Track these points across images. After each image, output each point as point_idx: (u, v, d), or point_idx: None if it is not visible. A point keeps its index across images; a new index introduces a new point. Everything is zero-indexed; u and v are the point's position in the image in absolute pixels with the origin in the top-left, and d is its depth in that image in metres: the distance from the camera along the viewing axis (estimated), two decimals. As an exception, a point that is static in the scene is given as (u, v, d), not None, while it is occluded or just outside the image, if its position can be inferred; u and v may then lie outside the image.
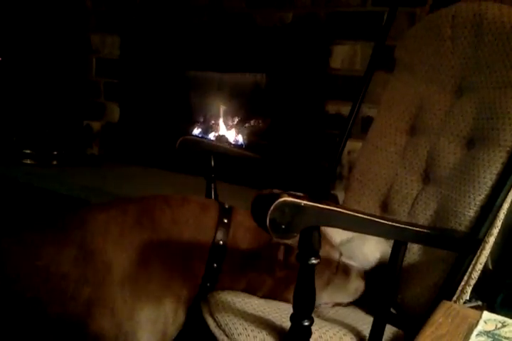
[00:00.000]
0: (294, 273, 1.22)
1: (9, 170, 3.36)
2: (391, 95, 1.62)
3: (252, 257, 1.29)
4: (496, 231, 1.24)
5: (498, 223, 1.24)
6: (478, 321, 0.93)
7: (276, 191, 0.87)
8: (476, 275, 1.25)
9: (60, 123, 3.59)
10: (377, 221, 0.99)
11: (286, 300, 1.26)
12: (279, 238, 0.89)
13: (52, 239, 1.28)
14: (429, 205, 1.40)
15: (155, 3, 3.30)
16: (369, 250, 1.41)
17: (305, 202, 0.87)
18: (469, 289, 1.25)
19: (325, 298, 1.32)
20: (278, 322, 1.13)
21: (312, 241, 0.93)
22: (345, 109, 2.53)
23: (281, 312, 1.19)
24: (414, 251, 1.36)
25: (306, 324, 0.98)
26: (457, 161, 1.37)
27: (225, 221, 1.30)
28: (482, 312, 0.97)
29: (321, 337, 1.10)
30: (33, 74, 3.44)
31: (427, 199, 1.41)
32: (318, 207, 0.89)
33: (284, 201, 0.86)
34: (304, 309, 0.98)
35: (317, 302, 1.00)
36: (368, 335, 1.13)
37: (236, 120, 3.25)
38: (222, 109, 3.27)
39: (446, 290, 1.23)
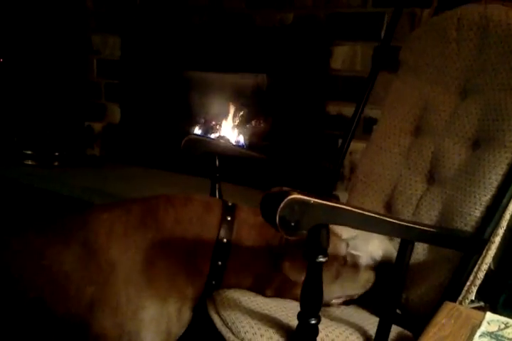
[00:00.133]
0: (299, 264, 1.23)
1: (10, 171, 3.35)
2: (395, 96, 1.62)
3: (257, 254, 1.29)
4: (501, 231, 1.25)
5: (504, 223, 1.25)
6: (481, 322, 0.94)
7: (285, 189, 0.88)
8: (481, 275, 1.25)
9: (61, 124, 3.59)
10: (385, 219, 1.00)
11: (295, 297, 1.26)
12: (288, 235, 0.89)
13: (55, 238, 1.28)
14: (433, 206, 1.40)
15: (155, 3, 3.30)
16: (372, 248, 1.41)
17: (314, 199, 0.88)
18: (475, 289, 1.26)
19: (336, 290, 1.31)
20: (285, 321, 1.13)
21: (320, 239, 0.93)
22: (346, 110, 2.53)
23: (287, 311, 1.19)
24: (419, 251, 1.36)
25: (314, 322, 0.99)
26: (462, 162, 1.37)
27: (229, 218, 1.31)
28: (485, 313, 0.97)
29: (327, 335, 1.11)
30: (34, 75, 3.43)
31: (431, 200, 1.42)
32: (327, 204, 0.90)
33: (294, 198, 0.86)
34: (312, 307, 0.99)
35: (329, 296, 1.00)
36: (373, 335, 1.14)
37: (237, 121, 3.25)
38: (223, 109, 3.27)
39: (452, 290, 1.23)
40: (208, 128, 3.34)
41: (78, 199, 2.93)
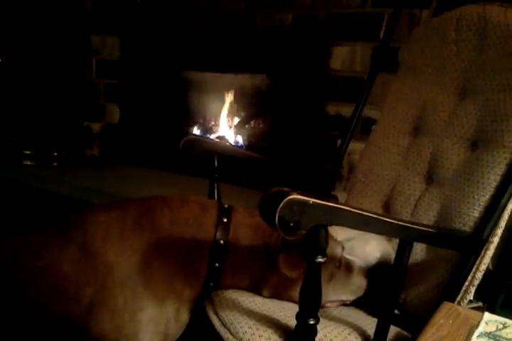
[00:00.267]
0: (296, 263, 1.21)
1: (9, 171, 3.36)
2: (394, 97, 1.63)
3: (253, 255, 1.29)
4: (500, 231, 1.25)
5: (502, 223, 1.25)
6: (479, 322, 0.94)
7: (285, 189, 0.88)
8: (479, 275, 1.25)
9: (60, 124, 3.59)
10: (383, 220, 1.00)
11: (291, 299, 1.26)
12: (287, 235, 0.89)
13: (54, 239, 1.29)
14: (432, 206, 1.40)
15: (155, 4, 3.30)
16: (370, 250, 1.41)
17: (313, 200, 0.88)
18: (473, 289, 1.26)
19: (329, 292, 1.31)
20: (283, 321, 1.13)
21: (319, 239, 0.93)
22: (345, 110, 2.53)
23: (285, 311, 1.19)
24: (417, 251, 1.36)
25: (312, 322, 0.99)
26: (461, 162, 1.38)
27: (225, 220, 1.31)
28: (483, 314, 0.97)
29: (325, 336, 1.11)
30: (33, 76, 3.44)
31: (430, 200, 1.42)
32: (326, 205, 0.90)
33: (293, 199, 0.86)
34: (310, 307, 0.99)
35: (323, 299, 1.00)
36: (371, 335, 1.14)
37: (236, 121, 3.25)
38: (222, 110, 3.27)
39: (450, 290, 1.23)
40: (207, 129, 3.34)
41: (77, 200, 2.93)
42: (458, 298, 1.24)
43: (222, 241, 1.28)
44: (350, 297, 1.36)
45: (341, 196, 2.39)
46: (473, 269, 1.24)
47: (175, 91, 3.42)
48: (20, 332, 1.27)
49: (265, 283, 1.29)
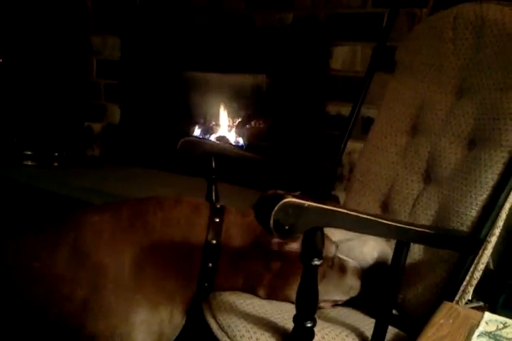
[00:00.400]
0: (289, 264, 1.23)
1: (10, 171, 3.36)
2: (392, 96, 1.62)
3: (246, 254, 1.29)
4: (497, 231, 1.25)
5: (500, 223, 1.25)
6: (479, 322, 0.93)
7: (280, 192, 0.88)
8: (478, 275, 1.25)
9: (60, 124, 3.59)
10: (380, 221, 1.00)
11: (288, 298, 1.26)
12: (283, 239, 0.89)
13: (48, 240, 1.29)
14: (430, 205, 1.40)
15: (155, 4, 3.30)
16: (367, 250, 1.41)
17: (309, 202, 0.88)
18: (471, 289, 1.26)
19: (320, 291, 1.31)
20: (280, 324, 1.13)
21: (315, 241, 0.93)
22: (345, 110, 2.53)
23: (283, 314, 1.19)
24: (415, 251, 1.36)
25: (309, 325, 0.99)
26: (458, 161, 1.37)
27: (217, 220, 1.31)
28: (483, 313, 0.97)
29: (323, 338, 1.10)
30: (34, 76, 3.44)
31: (428, 200, 1.41)
32: (321, 207, 0.90)
33: (288, 202, 0.86)
34: (307, 310, 0.98)
35: None
36: (369, 336, 1.13)
37: (237, 121, 3.25)
38: (222, 110, 3.27)
39: (448, 290, 1.23)
40: (208, 129, 3.34)
41: (78, 200, 2.93)
42: (456, 298, 1.24)
43: (214, 241, 1.28)
44: (343, 297, 1.36)
45: (342, 196, 2.38)
46: (472, 269, 1.24)
47: (175, 91, 3.42)
48: (16, 332, 1.27)
49: (260, 282, 1.28)
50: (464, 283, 1.24)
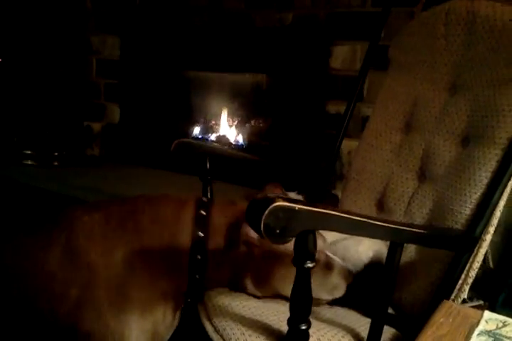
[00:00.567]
0: (269, 252, 1.24)
1: (10, 171, 3.37)
2: (386, 94, 1.62)
3: (231, 244, 1.30)
4: (492, 229, 1.24)
5: (495, 221, 1.24)
6: (479, 321, 0.93)
7: (270, 195, 0.87)
8: (473, 273, 1.25)
9: (60, 124, 3.59)
10: (373, 223, 0.99)
11: (277, 292, 1.27)
12: (275, 242, 0.88)
13: (39, 239, 1.30)
14: (425, 203, 1.40)
15: (155, 4, 3.29)
16: (363, 249, 1.40)
17: (300, 206, 0.87)
18: (467, 288, 1.26)
19: None
20: (276, 326, 1.13)
21: (308, 244, 0.93)
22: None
23: (279, 315, 1.18)
24: (410, 250, 1.36)
25: (304, 328, 0.98)
26: (452, 159, 1.37)
27: (203, 213, 1.31)
28: (483, 312, 0.97)
29: (319, 339, 1.10)
30: (34, 75, 3.44)
31: (422, 198, 1.41)
32: (312, 210, 0.89)
33: (279, 205, 0.85)
34: (301, 313, 0.98)
35: None
36: (365, 337, 1.13)
37: (237, 120, 3.25)
38: (222, 109, 3.27)
39: (444, 289, 1.23)
40: (208, 128, 3.34)
41: (77, 199, 2.93)
42: (452, 297, 1.24)
43: (201, 234, 1.28)
44: (326, 296, 1.34)
45: (341, 195, 2.38)
46: (467, 267, 1.23)
47: (175, 90, 3.43)
48: (11, 332, 1.28)
49: (246, 273, 1.29)
50: (460, 281, 1.24)
